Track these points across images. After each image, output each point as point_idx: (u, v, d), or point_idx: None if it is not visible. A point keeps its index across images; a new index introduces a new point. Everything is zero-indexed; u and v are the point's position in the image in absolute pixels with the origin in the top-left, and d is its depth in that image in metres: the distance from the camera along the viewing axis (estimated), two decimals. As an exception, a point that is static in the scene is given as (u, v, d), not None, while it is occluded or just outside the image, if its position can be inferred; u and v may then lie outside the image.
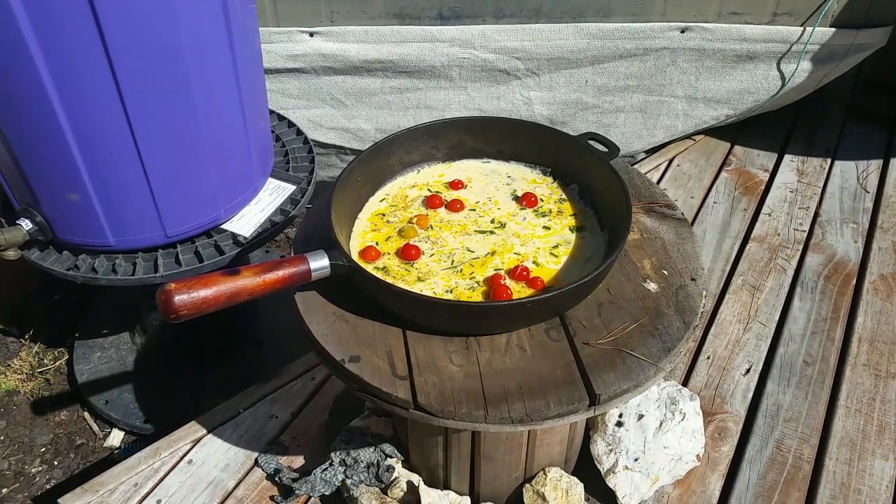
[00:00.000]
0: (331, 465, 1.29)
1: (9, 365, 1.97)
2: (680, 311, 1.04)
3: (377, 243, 1.14)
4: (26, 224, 1.34)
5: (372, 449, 1.27)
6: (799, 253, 1.88)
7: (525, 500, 1.23)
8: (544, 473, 1.23)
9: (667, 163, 2.24)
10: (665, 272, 1.11)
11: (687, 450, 1.33)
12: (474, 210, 1.22)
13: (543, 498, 1.21)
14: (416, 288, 1.05)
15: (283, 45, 1.93)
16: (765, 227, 1.97)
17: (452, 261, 1.11)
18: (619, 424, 1.30)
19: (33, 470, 1.75)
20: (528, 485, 1.24)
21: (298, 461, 1.40)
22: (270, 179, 1.58)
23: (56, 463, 1.77)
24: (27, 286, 2.15)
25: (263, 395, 1.52)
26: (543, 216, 1.20)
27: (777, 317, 1.69)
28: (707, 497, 1.32)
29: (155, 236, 1.38)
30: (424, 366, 0.97)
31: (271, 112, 1.75)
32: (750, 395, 1.51)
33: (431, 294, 1.04)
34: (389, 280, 1.06)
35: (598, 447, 1.29)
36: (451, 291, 1.05)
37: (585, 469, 1.30)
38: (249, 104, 1.40)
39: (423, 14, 1.91)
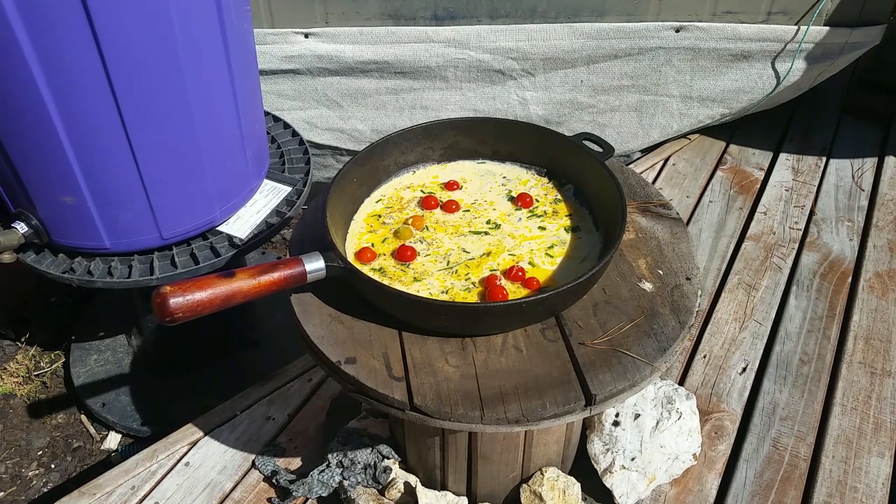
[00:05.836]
0: (328, 466, 1.29)
1: (5, 368, 1.96)
2: (675, 310, 1.04)
3: (373, 244, 1.14)
4: (21, 227, 1.34)
5: (369, 450, 1.27)
6: (794, 251, 1.89)
7: (522, 499, 1.23)
8: (541, 473, 1.23)
9: (662, 162, 2.25)
10: (660, 272, 1.11)
11: (683, 449, 1.33)
12: (469, 211, 1.22)
13: (540, 498, 1.21)
14: (412, 289, 1.05)
15: (278, 47, 1.93)
16: (760, 226, 1.98)
17: (448, 262, 1.11)
18: (616, 424, 1.30)
19: (30, 473, 1.74)
20: (525, 485, 1.24)
21: (296, 463, 1.40)
22: (266, 181, 1.58)
23: (53, 466, 1.76)
24: (23, 289, 2.14)
25: (260, 397, 1.52)
26: (539, 217, 1.20)
27: (773, 315, 1.70)
28: (704, 496, 1.32)
29: (150, 238, 1.38)
30: (420, 367, 0.97)
31: (266, 113, 1.75)
32: (746, 393, 1.51)
33: (427, 295, 1.04)
34: (385, 281, 1.06)
35: (595, 447, 1.30)
36: (446, 292, 1.05)
37: (582, 468, 1.30)
38: (244, 106, 1.40)
39: (418, 15, 1.92)
